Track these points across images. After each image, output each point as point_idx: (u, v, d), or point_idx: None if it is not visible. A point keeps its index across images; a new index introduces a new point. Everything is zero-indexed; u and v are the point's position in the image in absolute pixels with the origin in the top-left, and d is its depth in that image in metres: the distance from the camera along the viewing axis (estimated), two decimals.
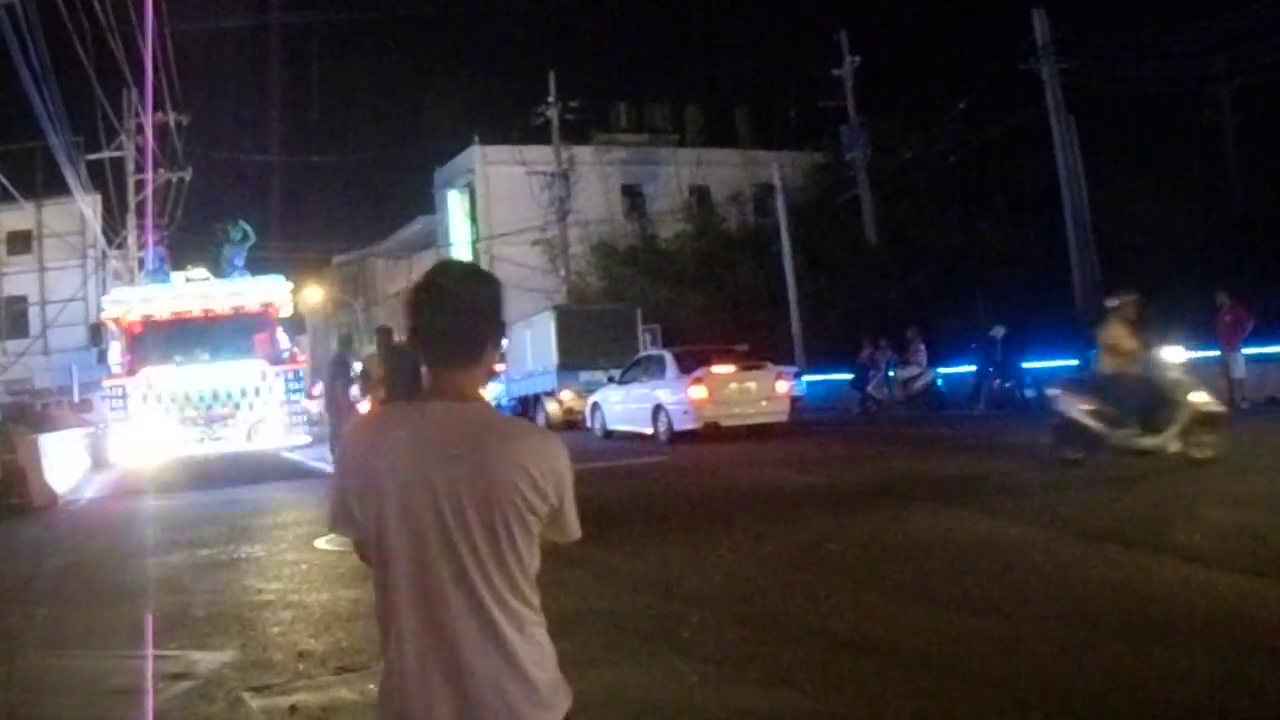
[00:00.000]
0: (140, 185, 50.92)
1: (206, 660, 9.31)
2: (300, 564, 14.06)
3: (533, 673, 3.39)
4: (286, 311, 29.73)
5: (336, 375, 22.95)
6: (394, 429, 3.52)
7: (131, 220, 49.95)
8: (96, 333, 28.26)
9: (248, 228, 31.15)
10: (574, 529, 3.64)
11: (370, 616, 10.00)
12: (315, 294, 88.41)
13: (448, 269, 3.75)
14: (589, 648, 8.94)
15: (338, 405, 22.74)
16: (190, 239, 47.71)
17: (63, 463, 25.20)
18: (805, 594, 10.48)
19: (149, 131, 45.07)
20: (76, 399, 45.00)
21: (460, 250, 64.97)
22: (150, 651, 9.92)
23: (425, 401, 3.50)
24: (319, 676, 8.68)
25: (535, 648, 3.42)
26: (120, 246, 50.67)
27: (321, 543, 15.29)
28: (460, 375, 3.52)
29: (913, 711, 7.15)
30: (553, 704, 3.44)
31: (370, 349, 14.88)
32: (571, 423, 35.34)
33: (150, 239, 43.88)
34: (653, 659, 8.62)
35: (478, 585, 3.34)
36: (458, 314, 3.52)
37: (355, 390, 23.85)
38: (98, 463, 29.93)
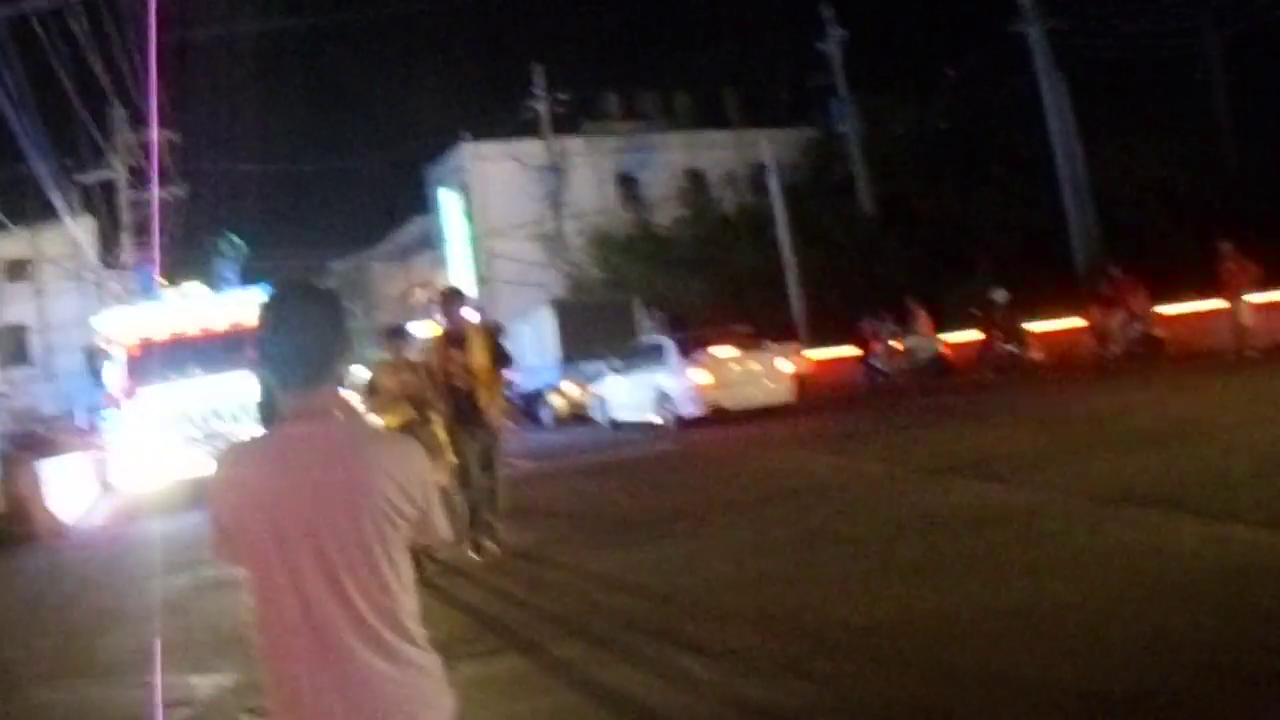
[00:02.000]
0: (133, 205, 50.84)
1: (206, 685, 9.26)
2: None
3: (408, 689, 3.44)
4: None
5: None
6: (256, 464, 3.55)
7: (127, 240, 49.85)
8: (90, 356, 28.11)
9: (238, 240, 30.96)
10: (442, 530, 3.72)
11: None
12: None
13: (286, 292, 3.75)
14: (594, 648, 8.92)
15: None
16: (189, 256, 47.66)
17: (67, 488, 25.01)
18: (815, 580, 10.35)
19: (155, 137, 44.96)
20: (82, 423, 45.01)
21: (458, 248, 64.84)
22: (150, 679, 9.73)
23: (284, 424, 3.54)
24: None
25: (411, 670, 3.46)
26: (116, 268, 50.56)
27: None
28: (314, 395, 3.54)
29: (926, 696, 6.95)
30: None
31: (381, 355, 13.38)
32: (578, 416, 35.18)
33: (139, 258, 43.76)
34: (659, 657, 8.47)
35: (357, 603, 3.36)
36: (303, 334, 3.55)
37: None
38: (105, 486, 29.77)
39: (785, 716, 7.08)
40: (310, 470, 3.40)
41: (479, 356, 13.50)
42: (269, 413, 3.89)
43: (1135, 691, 6.54)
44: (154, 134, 45.16)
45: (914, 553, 10.84)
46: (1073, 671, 7.00)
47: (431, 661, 3.55)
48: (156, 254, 45.33)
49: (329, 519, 3.35)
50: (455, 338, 13.66)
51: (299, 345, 3.54)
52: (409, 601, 3.49)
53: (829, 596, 9.59)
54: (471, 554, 13.15)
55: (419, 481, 3.53)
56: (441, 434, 13.12)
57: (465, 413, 13.33)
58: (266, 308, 3.61)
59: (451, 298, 14.23)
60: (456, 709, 3.63)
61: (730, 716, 7.20)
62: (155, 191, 48.85)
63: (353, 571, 3.36)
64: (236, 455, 3.70)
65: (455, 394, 13.35)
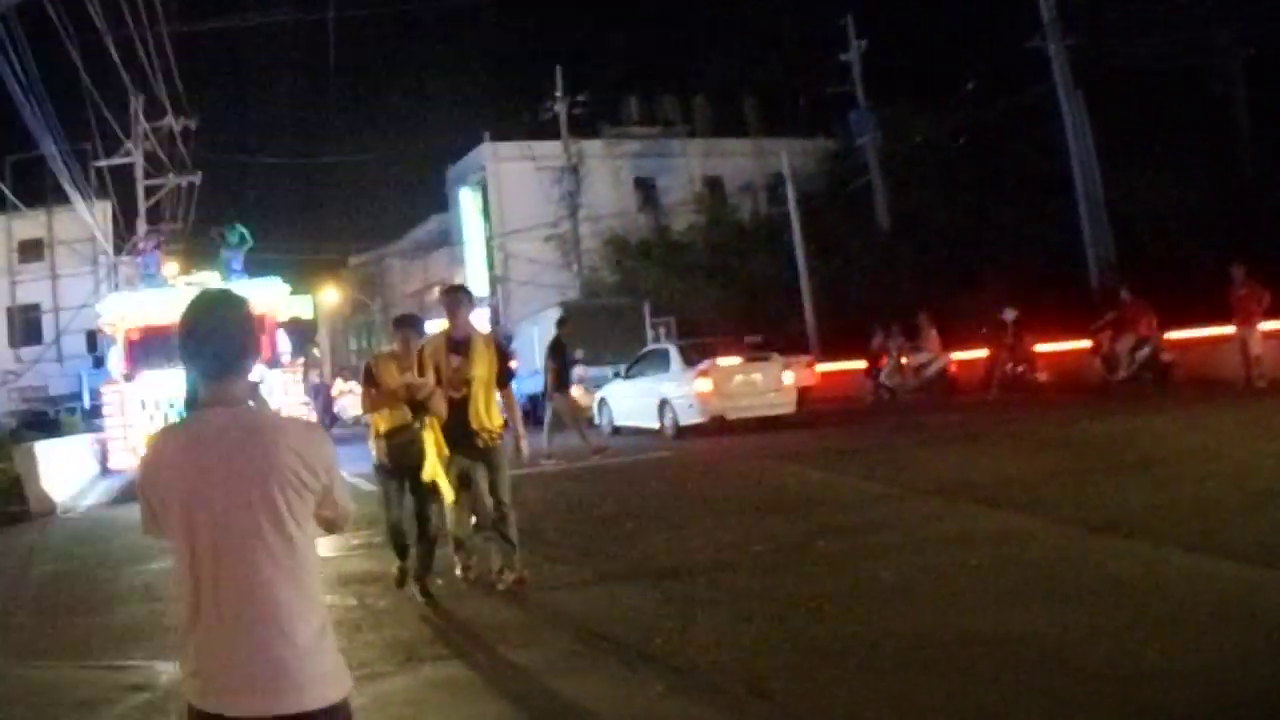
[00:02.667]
0: (149, 191, 50.98)
1: (169, 671, 9.29)
2: None
3: (305, 647, 3.95)
4: (286, 314, 29.44)
5: (551, 358, 26.27)
6: (179, 444, 4.12)
7: (141, 226, 49.97)
8: (93, 339, 28.14)
9: (244, 231, 30.82)
10: (346, 505, 4.31)
11: (341, 623, 9.85)
12: (333, 295, 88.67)
13: (203, 299, 4.29)
14: (556, 657, 9.04)
15: (558, 390, 25.95)
16: (202, 244, 47.71)
17: (65, 470, 25.02)
18: (789, 596, 10.23)
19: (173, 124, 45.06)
20: (87, 405, 45.14)
21: (474, 247, 65.01)
22: (116, 662, 10.10)
23: (203, 410, 4.11)
24: None
25: (309, 629, 3.99)
26: (129, 253, 50.66)
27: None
28: (228, 384, 4.11)
29: None
30: (312, 684, 3.95)
31: (388, 346, 12.85)
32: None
33: (147, 244, 43.73)
34: (621, 669, 8.48)
35: (264, 567, 3.92)
36: (217, 335, 4.12)
37: (578, 370, 26.81)
38: (104, 469, 29.80)
39: None
40: (225, 448, 3.99)
41: (480, 367, 11.65)
42: (192, 401, 4.25)
43: None
44: (141, 131, 45.39)
45: (894, 574, 10.71)
46: (1039, 703, 6.92)
47: (328, 625, 4.12)
48: (144, 240, 45.54)
49: (242, 489, 3.93)
50: (458, 342, 11.81)
51: (214, 344, 4.12)
52: (313, 567, 4.11)
53: (801, 615, 9.51)
54: (458, 573, 12.22)
55: (320, 458, 4.11)
56: (435, 443, 11.51)
57: (456, 427, 11.53)
58: (187, 312, 4.19)
59: (457, 296, 12.24)
60: (345, 670, 4.15)
61: None
62: (136, 169, 49.09)
63: (263, 535, 3.94)
64: (162, 438, 4.29)
65: (450, 405, 11.52)
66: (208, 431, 4.04)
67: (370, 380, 11.76)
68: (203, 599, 3.93)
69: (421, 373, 11.45)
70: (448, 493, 11.48)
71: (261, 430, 4.09)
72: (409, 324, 12.24)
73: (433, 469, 11.47)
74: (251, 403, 4.21)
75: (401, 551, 11.96)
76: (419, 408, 11.45)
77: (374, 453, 12.08)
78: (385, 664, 9.21)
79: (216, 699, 3.92)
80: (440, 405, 11.34)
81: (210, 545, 3.92)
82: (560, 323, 27.98)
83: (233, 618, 3.89)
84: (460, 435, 11.53)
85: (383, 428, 11.77)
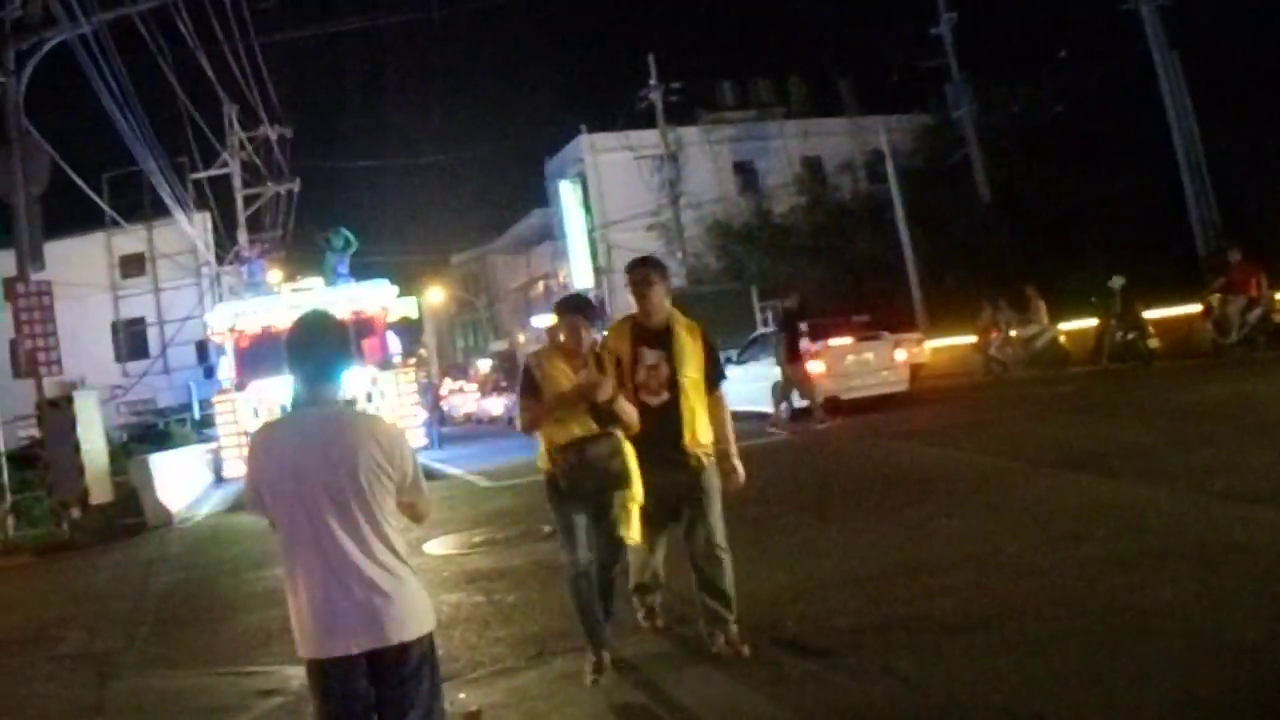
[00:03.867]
0: (248, 200, 51.59)
1: (299, 675, 9.28)
2: None
3: (396, 592, 5.03)
4: (395, 315, 29.68)
5: (783, 332, 27.19)
6: (284, 435, 5.19)
7: (242, 236, 50.57)
8: (203, 350, 28.40)
9: (349, 235, 30.98)
10: (423, 493, 5.38)
11: (470, 620, 9.98)
12: (437, 294, 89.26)
13: (304, 321, 5.34)
14: (690, 645, 8.92)
15: (790, 361, 26.46)
16: (304, 250, 48.23)
17: (179, 481, 25.44)
18: (915, 574, 10.21)
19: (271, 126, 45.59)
20: (197, 416, 45.66)
21: (577, 240, 65.14)
22: (244, 669, 10.16)
23: (303, 409, 5.18)
24: None
25: (397, 579, 5.06)
26: (233, 262, 51.22)
27: (431, 546, 15.25)
28: (323, 389, 5.18)
29: (1021, 699, 6.85)
30: (407, 620, 5.05)
31: (535, 343, 12.01)
32: None
33: (251, 253, 44.13)
34: (755, 655, 8.42)
35: (357, 532, 4.97)
36: (315, 349, 5.23)
37: (804, 343, 26.79)
38: (218, 478, 30.18)
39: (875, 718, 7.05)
40: (320, 439, 5.02)
41: (689, 364, 8.75)
42: (296, 402, 5.27)
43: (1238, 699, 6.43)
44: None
45: (1018, 547, 10.71)
46: (1172, 675, 6.87)
47: (413, 576, 5.18)
48: (248, 249, 46.08)
49: (334, 473, 4.94)
50: (653, 331, 8.86)
51: (311, 356, 5.19)
52: (396, 534, 5.11)
53: (929, 593, 9.52)
54: (642, 622, 9.36)
55: (398, 450, 5.12)
56: (630, 459, 8.31)
57: (655, 444, 8.50)
58: (291, 330, 5.27)
59: (647, 272, 8.93)
60: (430, 609, 5.26)
61: (819, 715, 7.18)
62: (234, 178, 49.62)
63: (352, 510, 4.96)
64: (268, 430, 5.37)
65: (644, 414, 8.49)
66: (306, 426, 5.10)
67: (531, 386, 8.45)
68: (303, 566, 5.00)
69: (601, 372, 8.36)
70: (634, 530, 8.29)
71: (350, 426, 5.12)
72: (579, 308, 8.61)
73: (635, 492, 8.30)
74: (340, 404, 5.31)
75: (584, 572, 8.49)
76: (604, 418, 8.30)
77: (546, 471, 8.55)
78: (517, 659, 9.27)
79: (327, 645, 4.96)
80: (632, 414, 8.33)
81: (308, 520, 4.94)
82: (789, 296, 28.86)
83: (330, 578, 4.94)
84: (661, 455, 8.52)
85: (561, 438, 8.29)
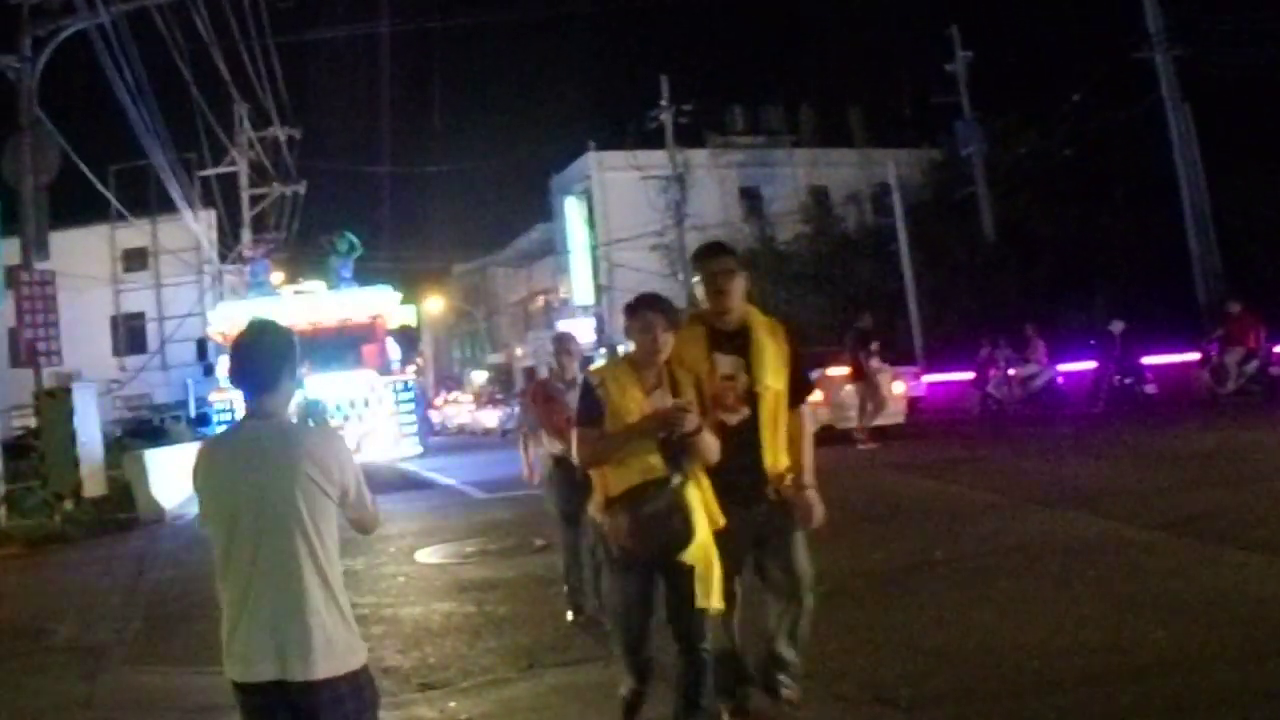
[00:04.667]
0: (253, 200, 51.64)
1: None
2: (398, 577, 14.19)
3: (311, 625, 4.68)
4: (396, 322, 29.73)
5: (857, 347, 27.07)
6: (221, 449, 5.03)
7: (246, 235, 50.60)
8: (203, 348, 28.30)
9: (354, 239, 31.08)
10: (368, 505, 5.10)
11: (461, 630, 10.01)
12: (436, 304, 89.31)
13: (253, 326, 5.07)
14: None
15: (864, 375, 26.65)
16: (306, 252, 48.24)
17: (173, 477, 25.52)
18: (908, 605, 10.26)
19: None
20: (193, 413, 45.66)
21: (579, 256, 65.33)
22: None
23: (244, 421, 4.98)
24: (400, 694, 8.79)
25: (316, 612, 4.71)
26: (235, 261, 51.26)
27: (423, 555, 15.31)
28: (265, 400, 4.92)
29: None
30: (316, 658, 4.67)
31: (531, 358, 11.67)
32: None
33: (255, 252, 44.21)
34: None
35: (286, 557, 4.70)
36: (260, 358, 4.95)
37: (875, 361, 26.88)
38: None
39: None
40: (260, 455, 4.79)
41: (771, 373, 7.01)
42: (245, 414, 5.07)
43: None
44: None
45: (1010, 583, 10.76)
46: (1157, 716, 6.95)
47: (339, 610, 4.80)
48: (253, 249, 46.12)
49: (272, 491, 4.71)
50: (727, 334, 7.07)
51: (256, 365, 4.94)
52: (330, 561, 4.81)
53: (922, 623, 9.57)
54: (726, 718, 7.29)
55: (335, 465, 4.84)
56: (693, 508, 6.51)
57: (732, 472, 6.73)
58: (236, 337, 5.03)
59: (723, 259, 7.19)
60: (354, 649, 4.84)
61: None
62: (241, 177, 49.63)
63: (286, 532, 4.69)
64: (211, 444, 5.15)
65: (724, 436, 6.73)
66: (245, 441, 4.90)
67: (592, 411, 6.60)
68: (240, 586, 4.76)
69: (676, 392, 6.60)
70: (715, 595, 6.53)
71: (288, 441, 4.86)
72: (658, 305, 6.62)
73: (706, 549, 6.50)
74: (286, 417, 5.03)
75: (644, 672, 6.84)
76: (675, 450, 6.47)
77: (600, 524, 6.95)
78: (508, 670, 9.26)
79: (238, 667, 4.78)
80: (713, 448, 6.56)
81: (245, 539, 4.73)
82: (861, 316, 28.65)
83: (267, 600, 4.69)
84: (738, 486, 6.82)
85: (617, 486, 6.53)
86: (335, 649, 4.72)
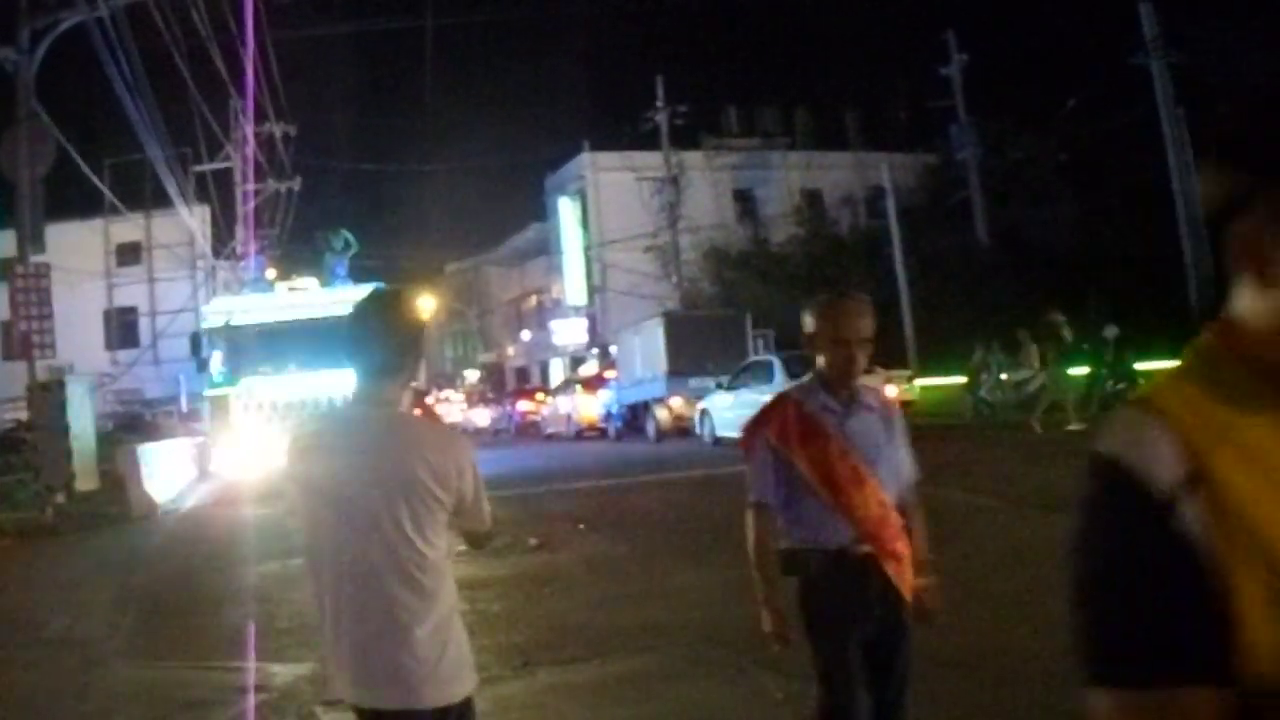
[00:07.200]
0: (248, 196, 51.58)
1: (283, 673, 9.42)
2: None
3: (426, 648, 4.01)
4: None
5: None
6: (321, 436, 4.37)
7: (240, 231, 50.52)
8: (196, 342, 28.14)
9: (349, 236, 31.05)
10: (484, 517, 4.36)
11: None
12: (429, 302, 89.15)
13: (378, 296, 4.49)
14: (674, 662, 9.00)
15: None
16: (299, 249, 48.26)
17: (165, 472, 25.38)
18: None
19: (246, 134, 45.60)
20: (185, 409, 45.59)
21: (573, 257, 65.34)
22: (227, 663, 10.10)
23: (351, 406, 4.32)
24: None
25: (434, 627, 4.05)
26: (229, 257, 51.23)
27: None
28: (378, 385, 4.18)
29: None
30: (441, 680, 4.06)
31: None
32: (682, 429, 35.23)
33: (251, 249, 44.20)
34: (739, 675, 8.46)
35: (390, 567, 3.99)
36: (379, 336, 4.20)
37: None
38: (203, 472, 30.09)
39: None
40: (362, 448, 4.10)
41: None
42: (351, 398, 4.40)
43: None
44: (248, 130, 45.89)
45: (1004, 585, 10.83)
46: None
47: (440, 630, 4.08)
48: (250, 245, 46.06)
49: (375, 490, 4.01)
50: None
51: (374, 344, 4.20)
52: (438, 561, 4.10)
53: (916, 626, 9.48)
54: None
55: (453, 465, 4.11)
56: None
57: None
58: (357, 308, 4.31)
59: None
60: (461, 676, 4.15)
61: None
62: (236, 173, 49.57)
63: (387, 541, 3.99)
64: (309, 428, 4.57)
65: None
66: (350, 431, 4.22)
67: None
68: (331, 596, 4.12)
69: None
70: None
71: (397, 436, 4.16)
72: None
73: None
74: (399, 406, 4.25)
75: None
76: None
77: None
78: (502, 668, 9.21)
79: (353, 694, 4.13)
80: None
81: (337, 544, 4.06)
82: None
83: (355, 617, 4.03)
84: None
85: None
86: (438, 675, 4.03)
